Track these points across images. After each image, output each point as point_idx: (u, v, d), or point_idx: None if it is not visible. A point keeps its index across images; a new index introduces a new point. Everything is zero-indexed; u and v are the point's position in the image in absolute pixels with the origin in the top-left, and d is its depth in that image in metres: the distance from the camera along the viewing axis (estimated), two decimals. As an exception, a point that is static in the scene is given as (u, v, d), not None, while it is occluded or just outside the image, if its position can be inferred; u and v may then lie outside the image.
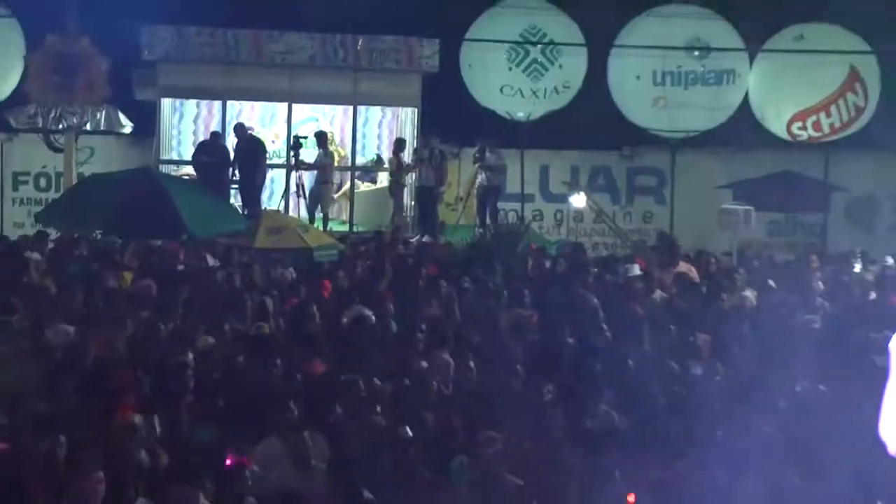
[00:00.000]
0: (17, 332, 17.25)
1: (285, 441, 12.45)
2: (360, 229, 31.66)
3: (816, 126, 34.97)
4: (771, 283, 24.67)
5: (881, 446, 10.29)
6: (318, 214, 31.30)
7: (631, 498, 11.70)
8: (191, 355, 15.70)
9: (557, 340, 17.42)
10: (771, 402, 14.46)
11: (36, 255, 23.61)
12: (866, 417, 11.66)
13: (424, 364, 15.89)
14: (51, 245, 25.23)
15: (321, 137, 31.67)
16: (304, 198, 31.58)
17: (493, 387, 15.06)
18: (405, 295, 20.97)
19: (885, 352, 16.22)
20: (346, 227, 31.93)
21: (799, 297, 23.28)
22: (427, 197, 31.95)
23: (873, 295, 24.14)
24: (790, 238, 34.88)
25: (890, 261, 28.21)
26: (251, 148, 30.42)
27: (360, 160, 33.94)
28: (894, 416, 7.38)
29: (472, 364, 16.06)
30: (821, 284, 25.18)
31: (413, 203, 32.58)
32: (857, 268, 27.33)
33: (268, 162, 31.20)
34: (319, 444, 12.51)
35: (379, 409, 13.90)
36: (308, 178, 31.98)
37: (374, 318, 18.69)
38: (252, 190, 30.26)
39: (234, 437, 12.53)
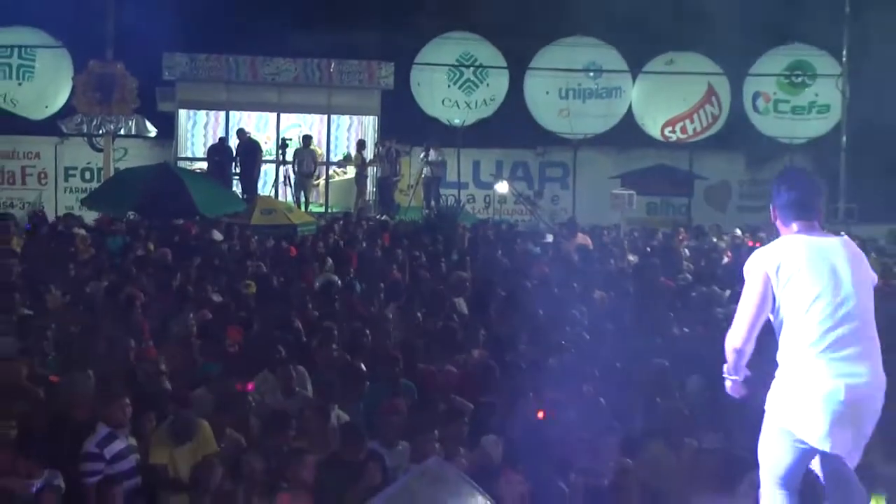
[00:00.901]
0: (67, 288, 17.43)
1: (276, 374, 12.40)
2: (334, 210, 31.93)
3: (683, 130, 35.65)
4: (648, 249, 25.30)
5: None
6: (302, 199, 31.49)
7: (540, 414, 11.50)
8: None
9: (488, 294, 17.36)
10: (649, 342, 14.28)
11: (82, 231, 23.74)
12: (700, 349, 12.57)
13: (389, 315, 15.91)
14: (92, 223, 25.41)
15: (307, 139, 31.90)
16: (290, 186, 32.31)
17: (437, 330, 14.85)
18: (368, 259, 21.14)
19: (726, 304, 17.07)
20: (322, 209, 32.15)
21: (669, 260, 23.06)
22: (385, 185, 32.23)
23: (726, 259, 24.32)
24: (664, 216, 34.94)
25: (738, 232, 28.66)
26: (249, 148, 30.66)
27: (333, 157, 34.15)
28: (740, 331, 6.53)
29: (419, 314, 16.05)
30: (686, 251, 25.50)
31: (374, 189, 32.81)
32: (714, 239, 27.93)
33: (262, 158, 31.24)
34: (302, 376, 12.52)
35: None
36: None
37: (339, 282, 18.35)
38: (249, 180, 30.45)
39: (238, 372, 12.51)
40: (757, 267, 6.52)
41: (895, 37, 30.62)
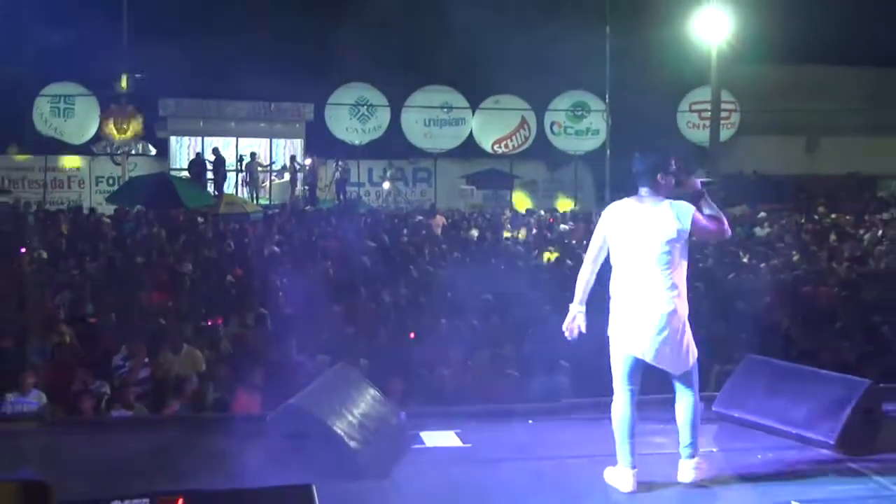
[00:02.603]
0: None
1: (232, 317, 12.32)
2: (275, 202, 31.79)
3: (506, 146, 35.48)
4: (484, 225, 25.45)
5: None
6: (254, 195, 31.59)
7: (412, 335, 11.08)
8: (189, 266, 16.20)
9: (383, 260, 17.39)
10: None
11: (106, 219, 24.03)
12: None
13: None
14: (114, 212, 25.38)
15: (254, 155, 31.94)
16: (247, 186, 32.41)
17: (345, 282, 14.82)
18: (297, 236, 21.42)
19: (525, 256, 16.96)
20: (267, 201, 31.91)
21: (498, 234, 23.53)
22: (310, 185, 32.33)
23: (534, 230, 24.63)
24: (494, 202, 34.70)
25: (542, 213, 29.17)
26: (219, 161, 30.33)
27: (274, 167, 33.90)
28: (582, 268, 5.89)
29: (330, 271, 16.24)
30: (509, 225, 25.84)
31: (303, 188, 32.63)
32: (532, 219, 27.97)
33: (226, 168, 30.85)
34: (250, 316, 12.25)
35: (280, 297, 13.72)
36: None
37: (279, 251, 18.55)
38: (219, 183, 30.11)
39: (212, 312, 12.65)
40: (599, 222, 5.93)
41: (639, 85, 31.40)
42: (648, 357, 5.68)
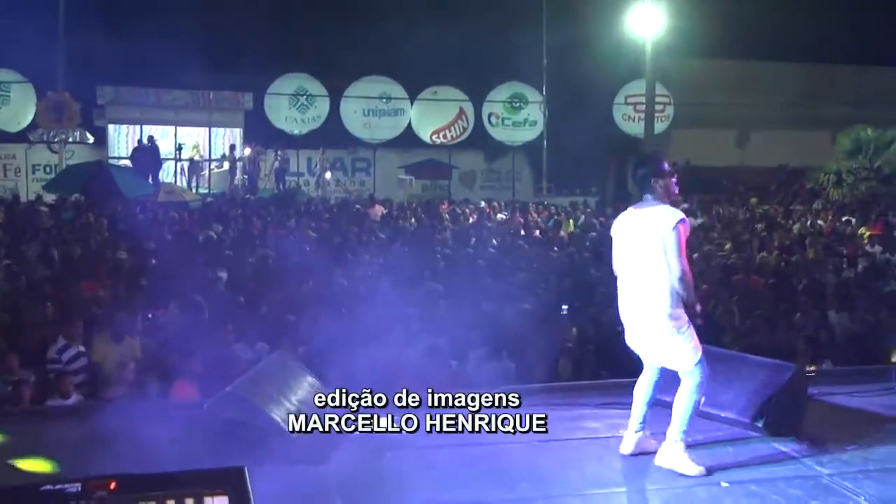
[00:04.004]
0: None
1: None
2: (214, 191, 31.49)
3: (444, 136, 35.67)
4: (422, 215, 25.29)
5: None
6: (193, 184, 31.53)
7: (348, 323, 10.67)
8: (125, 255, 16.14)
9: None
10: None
11: (44, 208, 23.37)
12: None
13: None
14: (51, 202, 24.85)
15: (195, 147, 32.08)
16: (185, 175, 32.11)
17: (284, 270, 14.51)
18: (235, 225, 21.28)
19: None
20: (206, 190, 31.56)
21: (436, 221, 23.53)
22: (249, 174, 32.10)
23: (472, 219, 24.59)
24: (432, 193, 34.57)
25: (483, 203, 28.95)
26: (154, 149, 30.12)
27: (214, 156, 33.63)
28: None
29: (270, 260, 15.96)
30: (447, 215, 25.47)
31: (242, 177, 32.34)
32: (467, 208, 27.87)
33: (162, 157, 30.61)
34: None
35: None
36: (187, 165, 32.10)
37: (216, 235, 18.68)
38: (157, 172, 29.83)
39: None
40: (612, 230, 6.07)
41: (576, 77, 31.64)
42: (642, 351, 5.99)
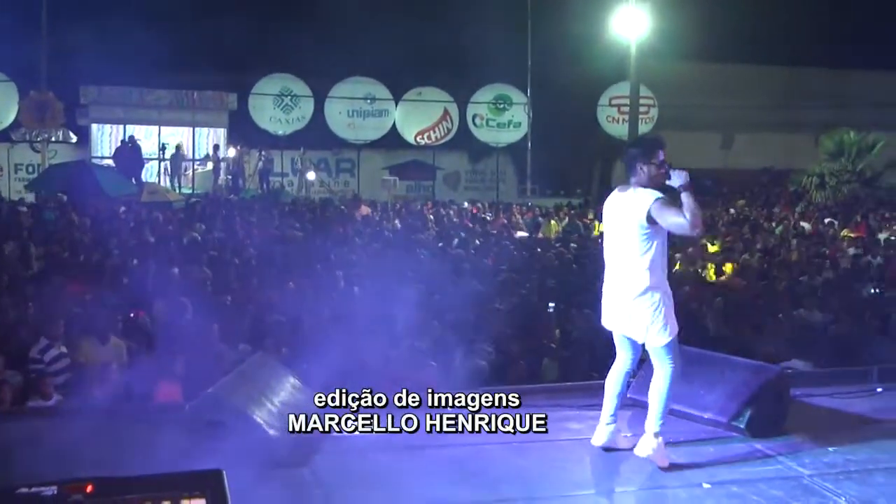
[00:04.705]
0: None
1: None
2: (198, 191, 31.18)
3: (429, 137, 35.83)
4: (405, 216, 25.39)
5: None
6: (176, 184, 31.33)
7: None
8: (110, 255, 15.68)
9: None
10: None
11: (24, 208, 23.16)
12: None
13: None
14: (33, 201, 24.81)
15: (179, 146, 31.77)
16: (168, 174, 31.96)
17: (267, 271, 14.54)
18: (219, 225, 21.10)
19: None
20: (190, 190, 31.31)
21: (420, 223, 23.60)
22: (233, 174, 32.17)
23: (455, 220, 24.73)
24: (416, 193, 34.82)
25: (466, 204, 29.18)
26: (137, 149, 29.95)
27: (197, 156, 33.70)
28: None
29: (253, 261, 15.73)
30: (431, 216, 25.55)
31: (226, 177, 32.44)
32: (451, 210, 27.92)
33: (144, 157, 30.46)
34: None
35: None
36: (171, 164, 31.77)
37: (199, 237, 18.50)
38: (139, 171, 29.60)
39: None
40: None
41: (561, 79, 31.68)
42: (617, 327, 5.97)
